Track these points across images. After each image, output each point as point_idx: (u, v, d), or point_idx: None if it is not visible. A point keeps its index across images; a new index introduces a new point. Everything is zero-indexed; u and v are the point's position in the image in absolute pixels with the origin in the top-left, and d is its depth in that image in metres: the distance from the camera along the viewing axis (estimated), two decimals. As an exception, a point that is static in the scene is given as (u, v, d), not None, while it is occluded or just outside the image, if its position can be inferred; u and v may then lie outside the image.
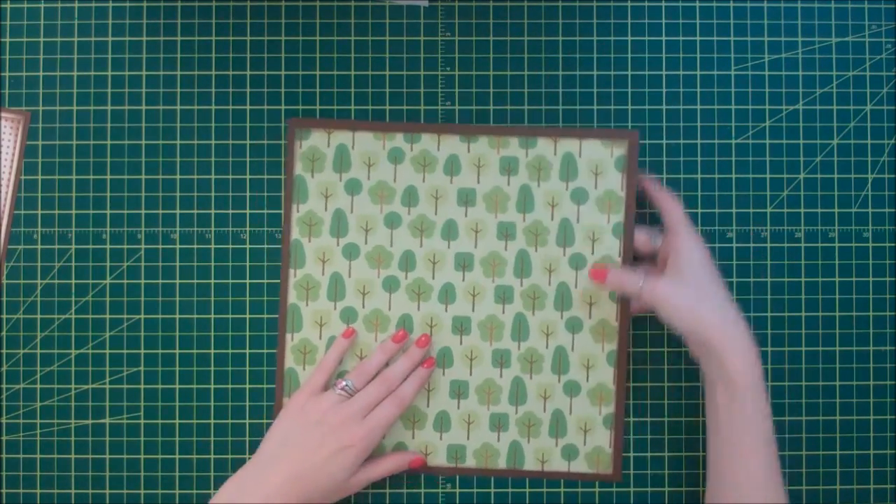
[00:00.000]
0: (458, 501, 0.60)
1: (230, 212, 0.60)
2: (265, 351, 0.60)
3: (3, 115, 0.61)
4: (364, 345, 0.59)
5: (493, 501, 0.60)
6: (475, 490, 0.60)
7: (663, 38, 0.61)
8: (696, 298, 0.52)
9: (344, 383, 0.56)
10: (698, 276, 0.53)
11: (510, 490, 0.60)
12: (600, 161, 0.59)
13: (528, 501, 0.60)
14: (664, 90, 0.61)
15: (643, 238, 0.58)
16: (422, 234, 0.59)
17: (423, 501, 0.60)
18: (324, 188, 0.59)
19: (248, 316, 0.60)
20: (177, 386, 0.60)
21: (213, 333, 0.60)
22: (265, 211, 0.60)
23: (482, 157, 0.59)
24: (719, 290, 0.53)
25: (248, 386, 0.60)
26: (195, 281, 0.60)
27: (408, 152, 0.59)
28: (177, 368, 0.60)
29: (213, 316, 0.60)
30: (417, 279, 0.59)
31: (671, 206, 0.56)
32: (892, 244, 0.61)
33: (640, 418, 0.60)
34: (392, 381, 0.56)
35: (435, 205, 0.59)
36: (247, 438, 0.60)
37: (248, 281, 0.60)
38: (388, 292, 0.59)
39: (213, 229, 0.60)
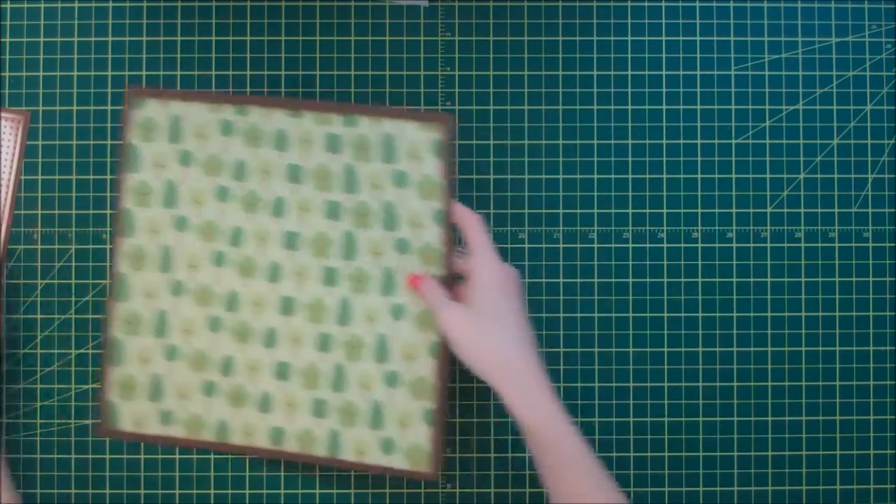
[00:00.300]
0: (457, 501, 0.60)
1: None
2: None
3: (3, 115, 0.61)
4: (190, 320, 0.56)
5: (493, 501, 0.60)
6: (475, 490, 0.60)
7: (663, 38, 0.61)
8: (480, 330, 0.49)
9: None
10: (490, 305, 0.50)
11: (510, 490, 0.60)
12: (417, 145, 0.56)
13: (527, 501, 0.60)
14: (664, 90, 0.61)
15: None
16: (251, 210, 0.56)
17: (422, 501, 0.60)
18: (157, 158, 0.57)
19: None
20: (177, 386, 0.60)
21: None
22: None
23: (308, 133, 0.56)
24: (512, 321, 0.50)
25: (248, 386, 0.60)
26: (195, 281, 0.60)
27: (238, 126, 0.57)
28: (177, 368, 0.60)
29: (213, 316, 0.60)
30: (246, 257, 0.56)
31: (474, 226, 0.53)
32: (892, 244, 0.61)
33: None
34: None
35: (264, 180, 0.56)
36: (247, 438, 0.60)
37: (248, 281, 0.60)
38: (215, 267, 0.57)
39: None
